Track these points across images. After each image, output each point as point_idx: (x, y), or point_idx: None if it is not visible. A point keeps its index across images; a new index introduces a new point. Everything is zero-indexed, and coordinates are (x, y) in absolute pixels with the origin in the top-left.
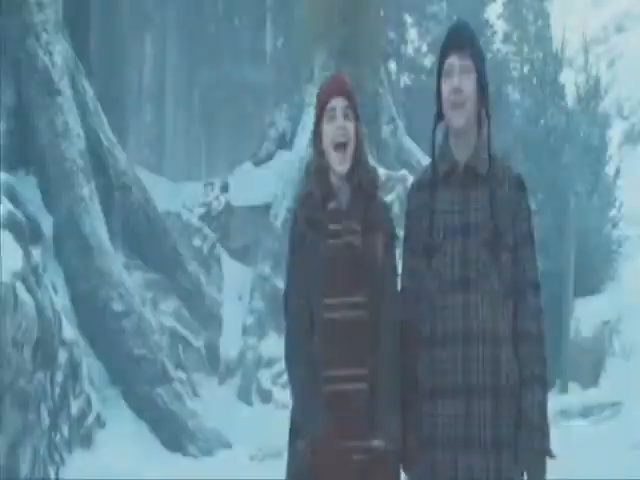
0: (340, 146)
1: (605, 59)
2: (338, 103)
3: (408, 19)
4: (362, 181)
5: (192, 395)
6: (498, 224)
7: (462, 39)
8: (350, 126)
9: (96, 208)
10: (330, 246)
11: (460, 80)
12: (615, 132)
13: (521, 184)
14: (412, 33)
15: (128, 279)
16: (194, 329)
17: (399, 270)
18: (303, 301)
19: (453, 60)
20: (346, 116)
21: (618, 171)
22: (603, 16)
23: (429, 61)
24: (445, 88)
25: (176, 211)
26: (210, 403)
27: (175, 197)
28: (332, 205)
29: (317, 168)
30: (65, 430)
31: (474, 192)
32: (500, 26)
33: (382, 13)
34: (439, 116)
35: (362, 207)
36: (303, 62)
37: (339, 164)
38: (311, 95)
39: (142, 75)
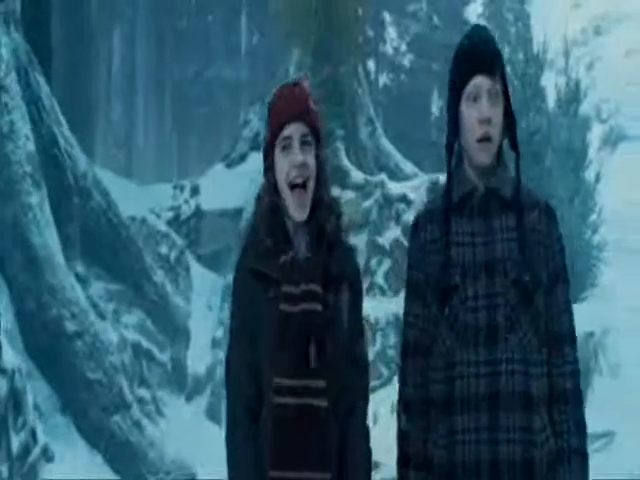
0: (298, 187)
1: (584, 62)
2: (295, 131)
3: (387, 17)
4: (324, 226)
5: (156, 414)
6: (530, 259)
7: (492, 56)
8: (311, 160)
9: (47, 217)
10: (283, 314)
11: (490, 108)
12: (593, 135)
13: (552, 213)
14: (391, 32)
15: (82, 296)
16: (159, 343)
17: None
18: (248, 375)
19: (481, 82)
20: (306, 147)
21: (598, 175)
22: (582, 19)
23: (408, 60)
24: (471, 114)
25: (142, 216)
26: (176, 423)
27: (142, 201)
28: (286, 257)
29: (269, 208)
30: (4, 470)
31: (498, 220)
32: None
33: (360, 11)
34: (452, 137)
35: (324, 258)
36: (278, 59)
37: (296, 209)
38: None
39: (110, 71)
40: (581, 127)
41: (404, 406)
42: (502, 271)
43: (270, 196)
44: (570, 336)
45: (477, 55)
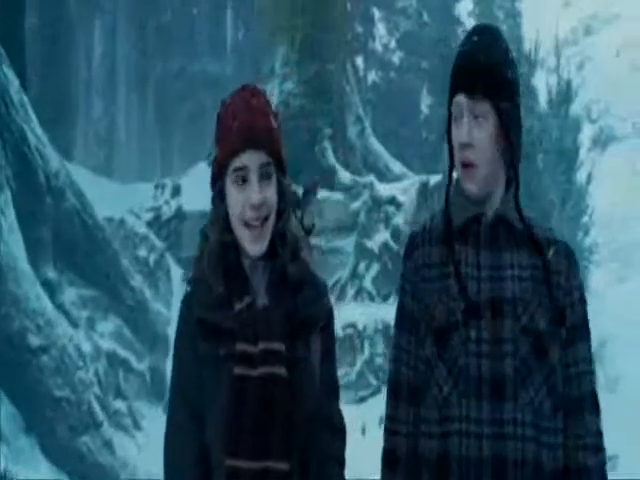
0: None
1: (574, 62)
2: (252, 162)
3: (376, 13)
4: (286, 264)
5: (133, 428)
6: (546, 304)
7: (475, 67)
8: (271, 195)
9: (10, 222)
10: (238, 379)
11: (469, 130)
12: (584, 136)
13: (572, 255)
14: (380, 28)
15: (49, 306)
16: (137, 351)
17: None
18: (190, 456)
19: (460, 100)
20: (265, 180)
21: (589, 176)
22: (572, 18)
23: (398, 58)
24: (455, 136)
25: (120, 217)
26: (154, 436)
27: (121, 201)
28: (242, 304)
29: (219, 245)
30: None
31: (509, 254)
32: (470, 24)
33: (349, 6)
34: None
35: (287, 303)
36: (264, 55)
37: (252, 243)
38: (271, 92)
39: (90, 66)
40: (572, 128)
41: (389, 462)
42: (511, 314)
43: (220, 232)
44: (592, 402)
45: (461, 69)
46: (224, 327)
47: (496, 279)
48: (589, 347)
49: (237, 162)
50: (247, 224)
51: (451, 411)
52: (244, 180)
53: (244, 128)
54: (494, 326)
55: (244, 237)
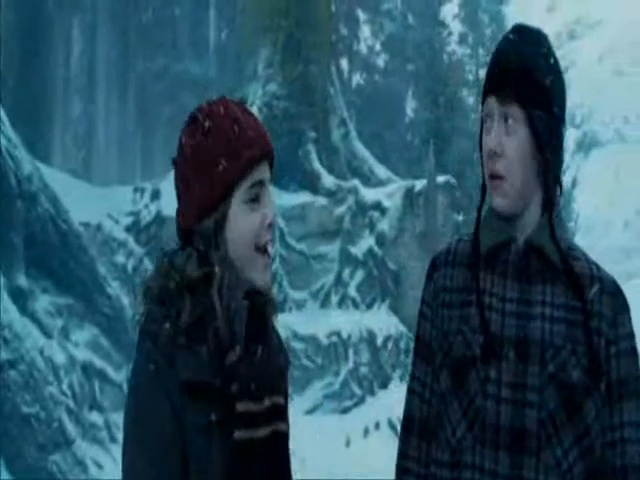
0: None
1: None
2: (265, 174)
3: (361, 15)
4: (265, 303)
5: (109, 441)
6: (582, 352)
7: (506, 66)
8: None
9: None
10: (240, 444)
11: (499, 137)
12: (567, 141)
13: (619, 295)
14: (365, 30)
15: (18, 318)
16: (114, 361)
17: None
18: None
19: (491, 103)
20: (269, 193)
21: (575, 181)
22: (556, 23)
23: (382, 60)
24: (484, 144)
25: (97, 222)
26: None
27: (99, 205)
28: (234, 355)
29: (226, 283)
30: None
31: (541, 288)
32: (456, 27)
33: (333, 7)
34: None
35: (277, 347)
36: (247, 56)
37: (264, 272)
38: (254, 93)
39: (69, 65)
40: None
41: None
42: (538, 358)
43: (221, 267)
44: (636, 472)
45: (492, 68)
46: (216, 385)
47: (523, 316)
48: (637, 409)
49: (255, 176)
50: (261, 249)
51: (464, 457)
52: (257, 197)
53: (260, 136)
54: (517, 369)
55: (256, 266)
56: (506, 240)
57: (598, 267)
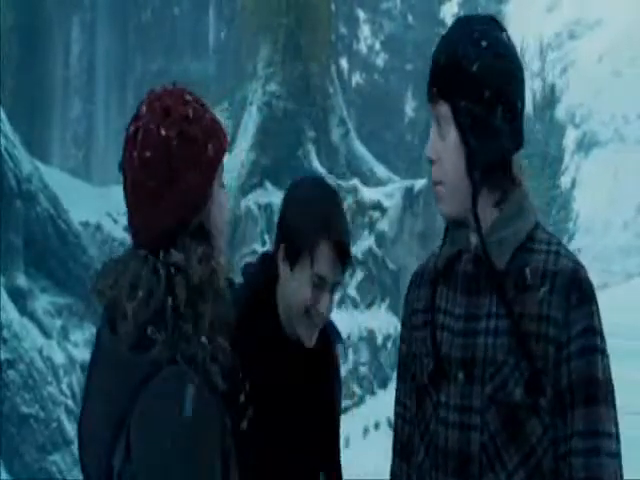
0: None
1: (558, 66)
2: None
3: (361, 15)
4: None
5: None
6: (524, 366)
7: (435, 67)
8: None
9: None
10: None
11: (433, 142)
12: (568, 141)
13: (575, 289)
14: (365, 30)
15: (17, 318)
16: None
17: None
18: None
19: (430, 107)
20: None
21: (574, 181)
22: (556, 23)
23: (382, 60)
24: None
25: (96, 221)
26: None
27: (99, 204)
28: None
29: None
30: None
31: (489, 296)
32: None
33: (333, 7)
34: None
35: None
36: (246, 55)
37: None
38: (254, 92)
39: (68, 64)
40: (556, 132)
41: None
42: (480, 378)
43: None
44: None
45: (431, 70)
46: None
47: (470, 333)
48: (594, 416)
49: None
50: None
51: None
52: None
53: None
54: (464, 391)
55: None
56: (459, 250)
57: (558, 258)
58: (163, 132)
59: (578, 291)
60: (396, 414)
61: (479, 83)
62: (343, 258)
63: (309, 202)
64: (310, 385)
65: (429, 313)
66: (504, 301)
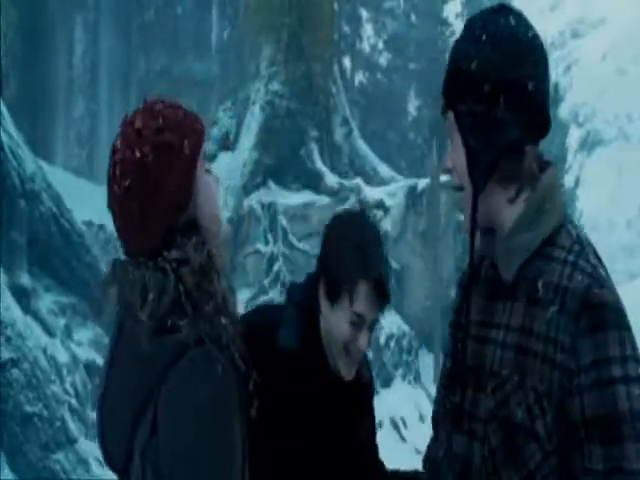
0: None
1: (561, 65)
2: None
3: (364, 14)
4: None
5: None
6: (528, 385)
7: (445, 77)
8: None
9: None
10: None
11: (450, 153)
12: (571, 139)
13: (587, 313)
14: (368, 29)
15: (20, 317)
16: None
17: None
18: None
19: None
20: None
21: (577, 180)
22: (559, 21)
23: (385, 59)
24: None
25: (100, 221)
26: None
27: (101, 204)
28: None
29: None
30: None
31: (502, 305)
32: (458, 26)
33: (336, 6)
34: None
35: None
36: (249, 55)
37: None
38: (257, 92)
39: (71, 64)
40: (560, 132)
41: None
42: (488, 389)
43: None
44: None
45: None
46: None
47: (483, 341)
48: (616, 454)
49: (203, 147)
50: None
51: None
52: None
53: (191, 112)
54: (474, 399)
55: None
56: (483, 255)
57: (574, 271)
58: (138, 154)
59: (590, 315)
60: (433, 412)
61: (478, 80)
62: (382, 296)
63: (349, 239)
64: (348, 417)
65: (456, 314)
66: (514, 314)
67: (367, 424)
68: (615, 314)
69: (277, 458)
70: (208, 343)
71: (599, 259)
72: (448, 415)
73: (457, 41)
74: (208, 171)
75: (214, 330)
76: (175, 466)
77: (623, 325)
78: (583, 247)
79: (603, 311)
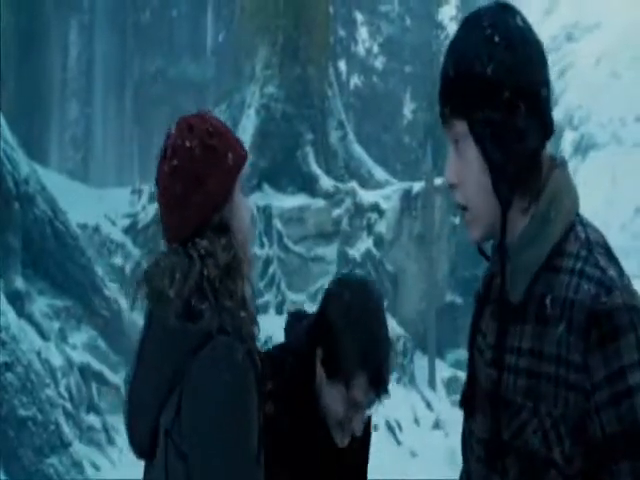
0: None
1: (556, 69)
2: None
3: (359, 17)
4: None
5: (107, 444)
6: (545, 409)
7: (444, 82)
8: None
9: None
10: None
11: (452, 165)
12: (565, 143)
13: (596, 326)
14: (363, 32)
15: (14, 320)
16: (112, 364)
17: None
18: None
19: (445, 129)
20: None
21: None
22: (554, 26)
23: (380, 62)
24: None
25: (95, 223)
26: (129, 452)
27: (97, 206)
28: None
29: (244, 269)
30: None
31: (514, 327)
32: (453, 29)
33: (331, 10)
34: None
35: None
36: (244, 57)
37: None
38: (252, 95)
39: (66, 66)
40: (554, 135)
41: None
42: (503, 417)
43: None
44: None
45: (440, 87)
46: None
47: (497, 365)
48: (638, 471)
49: (243, 170)
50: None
51: None
52: (243, 190)
53: (239, 140)
54: (490, 426)
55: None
56: (492, 273)
57: (580, 281)
58: (187, 144)
59: (599, 327)
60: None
61: (496, 86)
62: (380, 384)
63: (350, 322)
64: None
65: (472, 331)
66: (524, 336)
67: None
68: (627, 315)
69: None
70: (230, 333)
71: (611, 257)
72: (466, 442)
73: (459, 41)
74: (244, 192)
75: (235, 322)
76: (195, 446)
77: (639, 324)
78: (591, 250)
79: (612, 319)
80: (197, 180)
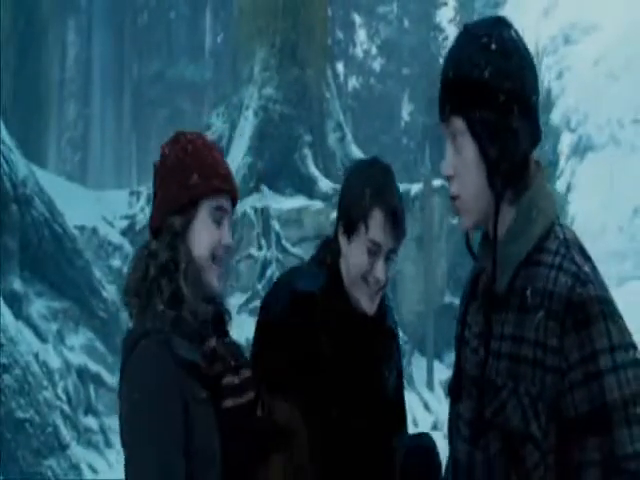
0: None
1: (554, 70)
2: (229, 206)
3: (357, 19)
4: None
5: (104, 446)
6: (523, 389)
7: (443, 83)
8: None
9: None
10: (232, 412)
11: (449, 159)
12: (563, 145)
13: (571, 312)
14: (361, 34)
15: (12, 322)
16: (110, 365)
17: None
18: None
19: (442, 126)
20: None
21: (569, 186)
22: (552, 27)
23: (378, 64)
24: None
25: (92, 225)
26: None
27: (95, 208)
28: (212, 342)
29: (184, 271)
30: None
31: (498, 315)
32: (451, 31)
33: (329, 11)
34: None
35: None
36: (243, 59)
37: (217, 279)
38: (250, 96)
39: (64, 68)
40: (552, 137)
41: None
42: (487, 398)
43: (188, 258)
44: None
45: (441, 87)
46: (201, 366)
47: (481, 351)
48: (610, 443)
49: (219, 202)
50: (217, 259)
51: None
52: (220, 221)
53: (228, 175)
54: (475, 408)
55: (211, 273)
56: (478, 271)
57: (558, 274)
58: (166, 151)
59: (574, 314)
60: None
61: (493, 89)
62: (396, 227)
63: (363, 176)
64: (372, 355)
65: (459, 325)
66: (507, 324)
67: (393, 370)
68: (599, 306)
69: (309, 415)
70: (153, 335)
71: (586, 257)
72: (452, 425)
73: (458, 48)
74: (218, 222)
75: (156, 322)
76: (124, 445)
77: (609, 315)
78: (568, 248)
79: (585, 307)
80: (162, 183)
